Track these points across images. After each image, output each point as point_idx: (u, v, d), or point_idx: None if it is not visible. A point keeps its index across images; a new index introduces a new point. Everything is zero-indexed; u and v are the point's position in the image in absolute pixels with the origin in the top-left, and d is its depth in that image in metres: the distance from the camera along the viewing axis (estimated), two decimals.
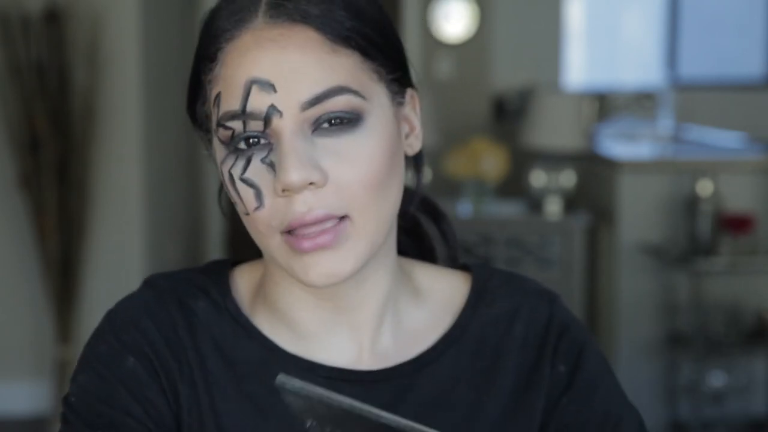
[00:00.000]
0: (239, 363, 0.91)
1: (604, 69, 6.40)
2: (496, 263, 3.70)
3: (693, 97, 6.04)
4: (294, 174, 0.79)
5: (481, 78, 5.65)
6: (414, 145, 0.90)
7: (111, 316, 0.92)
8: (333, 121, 0.81)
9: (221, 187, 0.92)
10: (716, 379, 3.65)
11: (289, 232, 0.82)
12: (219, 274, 0.95)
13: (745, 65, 6.42)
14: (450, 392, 0.91)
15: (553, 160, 3.85)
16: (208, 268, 0.96)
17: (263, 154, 0.82)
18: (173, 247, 4.50)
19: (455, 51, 5.61)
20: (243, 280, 0.95)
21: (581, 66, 6.29)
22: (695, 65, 6.41)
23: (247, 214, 0.83)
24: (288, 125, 0.80)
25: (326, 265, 0.82)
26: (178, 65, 4.70)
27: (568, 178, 3.85)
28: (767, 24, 6.45)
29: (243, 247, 1.02)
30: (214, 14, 0.86)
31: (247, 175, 0.82)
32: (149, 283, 0.94)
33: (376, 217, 0.84)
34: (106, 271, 3.84)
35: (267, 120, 0.80)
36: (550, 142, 3.81)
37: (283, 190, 0.80)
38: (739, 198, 3.67)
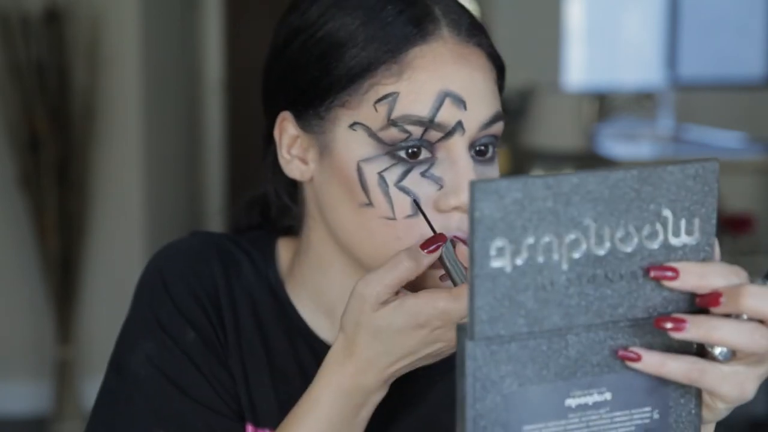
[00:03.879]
0: (272, 335, 0.93)
1: (604, 69, 6.40)
2: None
3: (693, 97, 6.03)
4: None
5: None
6: None
7: (164, 273, 0.92)
8: (484, 152, 0.85)
9: (276, 169, 0.94)
10: None
11: None
12: (265, 243, 0.97)
13: (745, 65, 6.42)
14: None
15: (553, 160, 3.85)
16: (255, 236, 0.98)
17: (424, 167, 0.83)
18: None
19: None
20: (282, 255, 0.97)
21: (581, 66, 6.29)
22: (695, 65, 6.40)
23: (393, 219, 0.83)
24: (465, 143, 0.83)
25: None
26: (178, 65, 4.70)
27: None
28: (767, 24, 6.45)
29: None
30: (385, 11, 0.84)
31: (404, 183, 0.83)
32: (196, 235, 0.96)
33: None
34: (106, 271, 3.84)
35: (449, 134, 0.82)
36: (550, 142, 3.81)
37: (455, 208, 0.82)
38: (739, 198, 3.67)
